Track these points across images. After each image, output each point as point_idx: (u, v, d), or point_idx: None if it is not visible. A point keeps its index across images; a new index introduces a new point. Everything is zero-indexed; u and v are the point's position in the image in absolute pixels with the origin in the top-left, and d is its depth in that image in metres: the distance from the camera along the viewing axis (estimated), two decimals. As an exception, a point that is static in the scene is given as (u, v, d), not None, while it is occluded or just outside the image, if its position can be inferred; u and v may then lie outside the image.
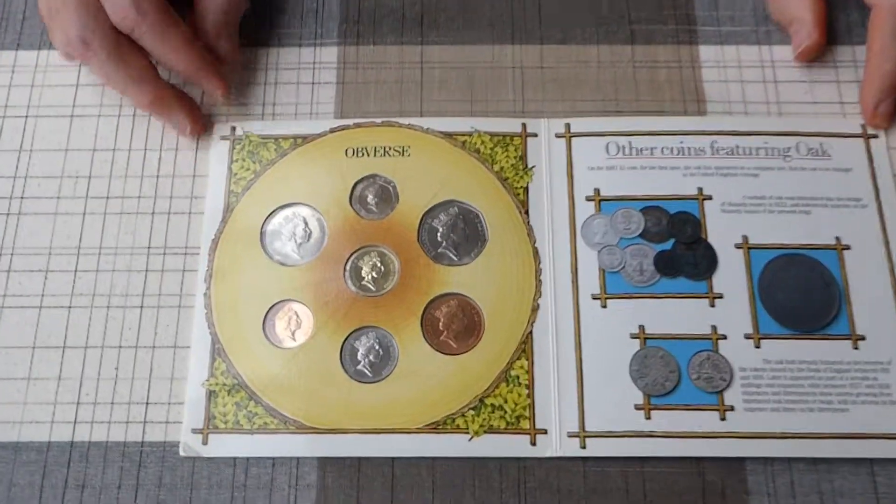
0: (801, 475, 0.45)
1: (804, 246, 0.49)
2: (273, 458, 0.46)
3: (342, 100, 0.53)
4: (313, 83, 0.54)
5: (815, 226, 0.49)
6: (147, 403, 0.47)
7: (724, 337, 0.47)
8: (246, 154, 0.51)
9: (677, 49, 0.54)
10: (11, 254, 0.50)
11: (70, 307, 0.48)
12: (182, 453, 0.45)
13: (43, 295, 0.49)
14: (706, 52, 0.54)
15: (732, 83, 0.53)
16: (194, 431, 0.46)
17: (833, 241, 0.49)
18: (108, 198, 0.51)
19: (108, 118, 0.53)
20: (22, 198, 0.51)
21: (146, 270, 0.49)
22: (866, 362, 0.47)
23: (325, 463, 0.45)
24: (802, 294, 0.48)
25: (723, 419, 0.46)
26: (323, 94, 0.53)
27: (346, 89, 0.53)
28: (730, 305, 0.48)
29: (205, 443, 0.45)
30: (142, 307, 0.48)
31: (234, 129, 0.52)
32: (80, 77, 0.54)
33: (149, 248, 0.50)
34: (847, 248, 0.49)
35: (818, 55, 0.53)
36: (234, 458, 0.46)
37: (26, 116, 0.53)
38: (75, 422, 0.46)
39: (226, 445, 0.46)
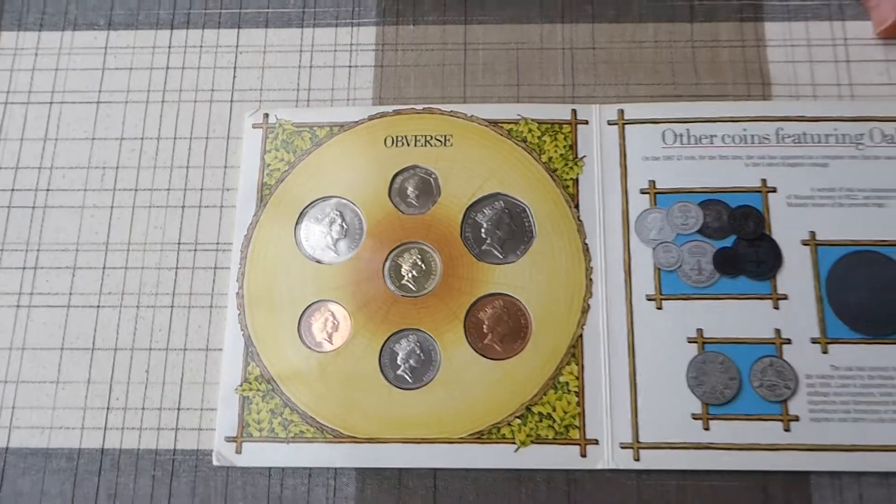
0: (871, 490, 0.42)
1: (877, 242, 0.45)
2: (310, 469, 0.44)
3: (381, 85, 0.50)
4: (350, 66, 0.51)
5: (890, 220, 0.46)
6: (179, 409, 0.45)
7: (789, 341, 0.44)
8: (280, 143, 0.48)
9: (741, 26, 0.50)
10: (38, 249, 0.48)
11: (99, 307, 0.47)
12: (215, 462, 0.44)
13: (71, 294, 0.47)
14: (772, 29, 0.50)
15: (800, 63, 0.49)
16: (227, 440, 0.44)
17: (908, 237, 0.45)
18: (136, 190, 0.49)
19: (135, 104, 0.50)
20: (48, 190, 0.49)
21: (176, 268, 0.47)
22: (944, 370, 0.43)
23: (363, 474, 0.43)
24: (874, 295, 0.44)
25: (787, 430, 0.43)
26: (360, 78, 0.50)
27: (384, 73, 0.50)
28: (795, 307, 0.45)
29: (238, 451, 0.44)
30: (172, 307, 0.46)
31: (266, 116, 0.49)
32: (107, 60, 0.51)
33: (179, 243, 0.47)
34: (924, 244, 0.45)
35: (900, 32, 0.49)
36: (270, 469, 0.44)
37: (51, 103, 0.51)
38: (105, 428, 0.45)
39: (260, 454, 0.44)
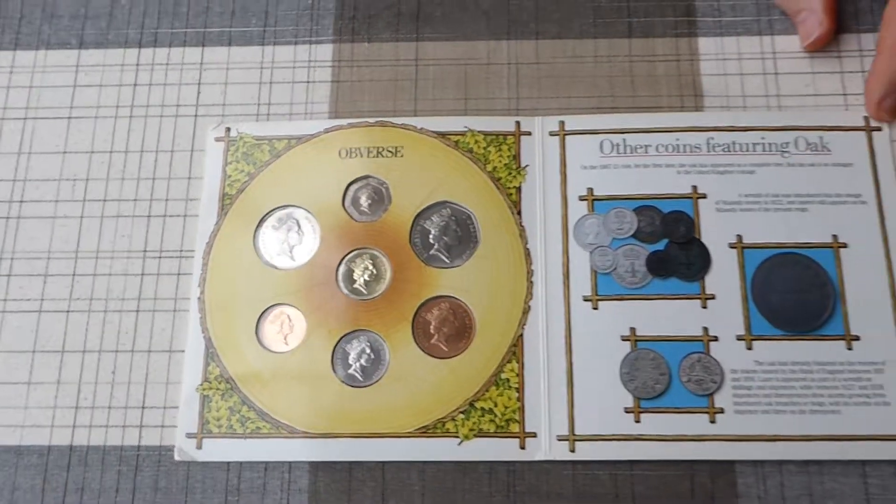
0: (792, 477, 0.45)
1: (800, 245, 0.48)
2: (265, 463, 0.46)
3: (337, 99, 0.53)
4: (308, 82, 0.54)
5: (812, 224, 0.49)
6: (143, 408, 0.47)
7: (716, 338, 0.47)
8: (240, 155, 0.51)
9: (676, 42, 0.53)
10: (12, 258, 0.50)
11: (69, 311, 0.49)
12: (177, 458, 0.46)
13: (42, 299, 0.50)
14: (706, 44, 0.53)
15: (731, 76, 0.52)
16: (189, 436, 0.46)
17: (830, 240, 0.48)
18: (105, 201, 0.51)
19: (105, 119, 0.53)
20: (21, 202, 0.51)
21: (142, 274, 0.50)
22: (860, 363, 0.46)
23: (316, 467, 0.46)
24: (796, 294, 0.47)
25: (713, 422, 0.46)
26: (318, 93, 0.53)
27: (340, 88, 0.53)
28: (722, 306, 0.47)
29: (199, 447, 0.46)
30: (138, 311, 0.49)
31: (228, 130, 0.52)
32: (78, 78, 0.54)
33: (145, 251, 0.50)
34: (844, 246, 0.48)
35: (827, 44, 0.52)
36: (228, 463, 0.46)
37: (25, 119, 0.53)
38: (74, 426, 0.47)
39: (219, 450, 0.46)
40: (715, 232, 0.49)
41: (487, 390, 0.47)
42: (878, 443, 0.45)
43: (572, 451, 0.46)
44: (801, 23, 0.52)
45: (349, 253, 0.50)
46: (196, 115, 0.53)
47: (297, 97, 0.53)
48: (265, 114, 0.53)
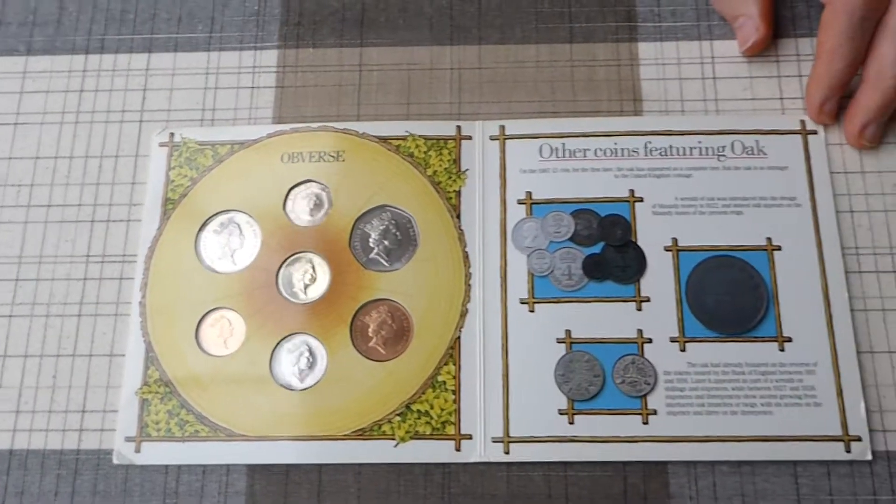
0: (724, 478, 0.45)
1: (734, 247, 0.49)
2: (203, 466, 0.47)
3: (280, 104, 0.53)
4: (252, 87, 0.54)
5: (747, 226, 0.49)
6: (83, 412, 0.48)
7: (650, 341, 0.47)
8: (184, 160, 0.52)
9: (616, 47, 0.54)
10: (-44, 264, 0.51)
11: (11, 316, 0.50)
12: (115, 461, 0.47)
13: (-15, 305, 0.50)
14: (646, 49, 0.54)
15: (670, 81, 0.53)
16: (127, 440, 0.47)
17: (764, 242, 0.49)
18: (49, 206, 0.52)
19: (51, 125, 0.54)
20: (-33, 208, 0.52)
21: (84, 279, 0.50)
22: (792, 364, 0.47)
23: (253, 470, 0.47)
24: (730, 296, 0.48)
25: (645, 423, 0.46)
26: (262, 98, 0.54)
27: (284, 94, 0.54)
28: (656, 309, 0.48)
29: (137, 451, 0.47)
30: (80, 315, 0.49)
31: (172, 135, 0.52)
32: (25, 84, 0.54)
33: (88, 256, 0.51)
34: (778, 248, 0.49)
35: (765, 49, 0.52)
36: (167, 466, 0.47)
37: (-28, 125, 0.54)
38: (14, 430, 0.48)
39: (158, 453, 0.47)
40: (651, 235, 0.49)
41: (424, 393, 0.47)
42: (809, 443, 0.46)
43: (507, 452, 0.46)
44: (739, 28, 0.52)
45: (289, 257, 0.50)
46: (141, 121, 0.54)
47: (242, 102, 0.54)
48: (210, 119, 0.53)
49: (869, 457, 0.45)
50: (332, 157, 0.52)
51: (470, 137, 0.52)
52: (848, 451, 0.45)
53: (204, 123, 0.53)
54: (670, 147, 0.51)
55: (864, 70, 0.49)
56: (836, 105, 0.50)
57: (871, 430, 0.46)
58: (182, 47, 0.55)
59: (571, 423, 0.46)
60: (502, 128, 0.52)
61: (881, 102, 0.48)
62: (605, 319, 0.48)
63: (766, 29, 0.52)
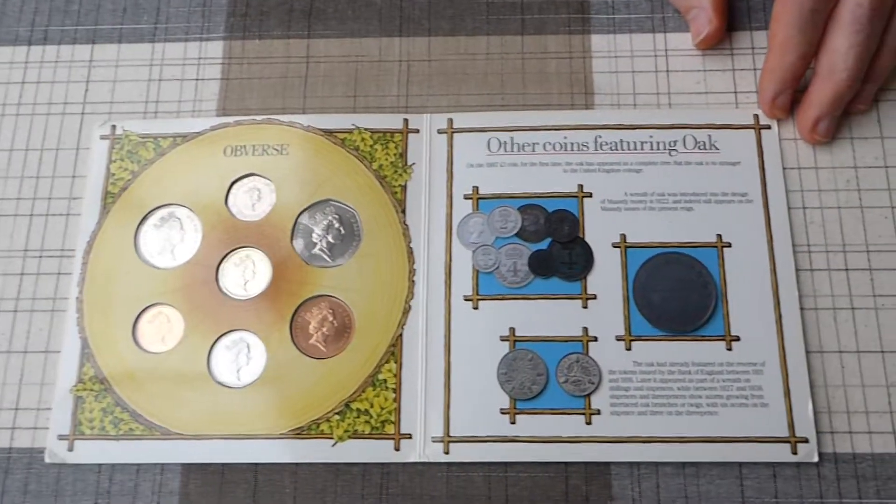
0: (668, 479, 0.45)
1: (684, 244, 0.48)
2: (138, 465, 0.46)
3: (225, 97, 0.52)
4: (197, 79, 0.53)
5: (697, 223, 0.48)
6: (16, 409, 0.47)
7: (595, 339, 0.46)
8: (125, 154, 0.51)
9: (569, 39, 0.53)
10: None
11: (-55, 312, 0.48)
12: (47, 460, 0.46)
13: (-80, 300, 0.49)
14: (598, 41, 0.53)
15: (623, 74, 0.52)
16: (60, 438, 0.46)
17: (714, 239, 0.48)
18: (-13, 200, 0.50)
19: (-9, 117, 0.52)
20: None
21: (21, 274, 0.49)
22: (739, 363, 0.46)
23: (188, 469, 0.46)
24: (678, 294, 0.47)
25: (588, 423, 0.45)
26: (207, 90, 0.53)
27: (230, 85, 0.53)
28: (603, 307, 0.47)
29: (70, 449, 0.46)
30: (16, 311, 0.48)
31: (114, 127, 0.51)
32: (-34, 75, 0.53)
33: (25, 250, 0.50)
34: (728, 245, 0.48)
35: (718, 42, 0.51)
36: (100, 465, 0.46)
37: (-90, 117, 0.53)
38: (-53, 427, 0.47)
39: (91, 452, 0.46)
40: (599, 231, 0.48)
41: (364, 391, 0.46)
42: (755, 444, 0.45)
43: (446, 452, 0.45)
44: (692, 20, 0.51)
45: (230, 252, 0.49)
46: (83, 113, 0.53)
47: (186, 95, 0.53)
48: (153, 112, 0.52)
49: (815, 459, 0.44)
50: (276, 150, 0.51)
51: (417, 131, 0.51)
52: (794, 452, 0.44)
53: (147, 116, 0.52)
54: (621, 141, 0.50)
55: (816, 63, 0.48)
56: (790, 99, 0.49)
57: (818, 432, 0.45)
58: (126, 38, 0.54)
59: (513, 422, 0.45)
60: (450, 121, 0.51)
61: (833, 96, 0.47)
62: (550, 317, 0.47)
63: (719, 21, 0.50)
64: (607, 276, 0.48)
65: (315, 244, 0.49)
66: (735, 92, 0.51)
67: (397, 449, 0.45)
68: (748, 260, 0.48)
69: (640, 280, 0.47)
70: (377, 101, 0.52)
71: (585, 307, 0.47)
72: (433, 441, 0.45)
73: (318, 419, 0.46)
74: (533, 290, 0.47)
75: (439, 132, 0.51)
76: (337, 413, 0.46)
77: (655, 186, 0.49)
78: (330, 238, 0.49)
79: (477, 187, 0.49)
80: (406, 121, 0.51)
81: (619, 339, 0.46)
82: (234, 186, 0.50)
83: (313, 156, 0.50)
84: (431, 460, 0.45)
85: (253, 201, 0.50)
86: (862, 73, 0.47)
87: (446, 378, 0.46)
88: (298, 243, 0.49)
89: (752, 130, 0.50)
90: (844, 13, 0.46)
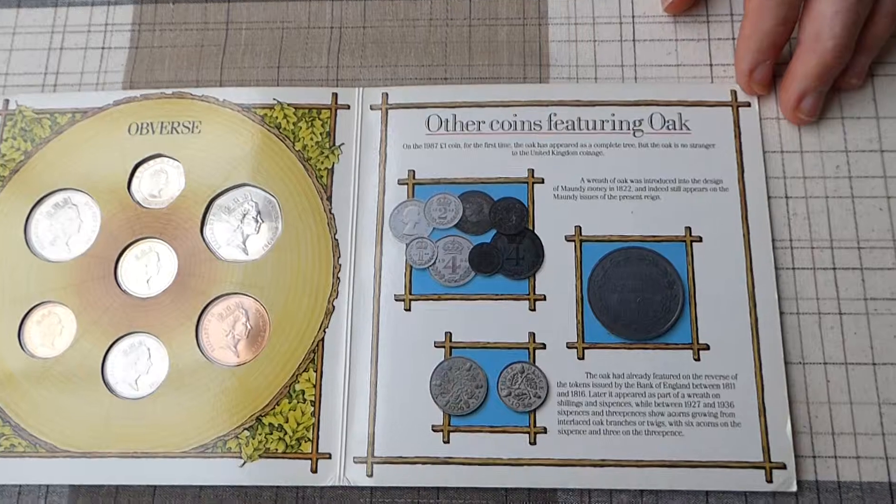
0: (624, 509, 0.38)
1: (647, 238, 0.42)
2: (19, 486, 0.40)
3: (133, 68, 0.46)
4: (103, 48, 0.47)
5: (664, 214, 0.42)
6: None
7: (543, 346, 0.41)
8: (18, 132, 0.45)
9: (523, 3, 0.47)
10: None
11: None
12: (-85, 480, 0.40)
13: None
14: (555, 6, 0.47)
15: (583, 43, 0.46)
16: (-70, 455, 0.40)
17: (682, 233, 0.42)
18: None
19: None
20: None
21: None
22: (708, 376, 0.40)
23: (77, 492, 0.40)
24: (639, 296, 0.41)
25: (533, 443, 0.39)
26: (113, 60, 0.47)
27: (139, 55, 0.47)
28: (553, 309, 0.41)
29: (-60, 468, 0.40)
30: None
31: (7, 102, 0.45)
32: None
33: None
34: (698, 240, 0.42)
35: (691, 7, 0.45)
36: (-25, 486, 0.40)
37: None
38: None
39: (-35, 471, 0.40)
40: (551, 222, 0.42)
41: (278, 403, 0.40)
42: (724, 470, 0.39)
43: (370, 475, 0.39)
44: (663, -19, 0.45)
45: (132, 243, 0.43)
46: (-25, 86, 0.46)
47: (90, 66, 0.47)
48: (52, 84, 0.46)
49: (794, 488, 0.38)
50: (187, 128, 0.44)
51: (347, 107, 0.45)
52: (769, 480, 0.39)
53: (45, 89, 0.46)
54: (578, 120, 0.44)
55: (800, 32, 0.41)
56: (770, 72, 0.43)
57: (797, 456, 0.39)
58: (26, 2, 0.48)
59: (447, 441, 0.40)
60: (385, 95, 0.45)
61: (819, 68, 0.41)
62: (493, 321, 0.41)
63: None
64: (559, 274, 0.42)
65: (228, 235, 0.43)
66: (710, 65, 0.45)
67: (314, 471, 0.40)
68: (721, 256, 0.42)
69: (596, 279, 0.41)
70: (303, 72, 0.46)
71: (533, 309, 0.41)
72: (355, 462, 0.39)
73: (225, 435, 0.40)
74: (473, 290, 0.42)
75: (372, 108, 0.45)
76: (247, 428, 0.40)
77: (617, 172, 0.43)
78: (245, 228, 0.43)
79: (413, 171, 0.43)
80: (335, 95, 0.45)
81: (570, 346, 0.41)
82: (139, 169, 0.44)
83: (228, 134, 0.44)
84: (353, 484, 0.39)
85: (159, 186, 0.44)
86: (851, 42, 0.40)
87: (372, 389, 0.40)
88: (209, 234, 0.43)
89: (729, 108, 0.44)
90: None
